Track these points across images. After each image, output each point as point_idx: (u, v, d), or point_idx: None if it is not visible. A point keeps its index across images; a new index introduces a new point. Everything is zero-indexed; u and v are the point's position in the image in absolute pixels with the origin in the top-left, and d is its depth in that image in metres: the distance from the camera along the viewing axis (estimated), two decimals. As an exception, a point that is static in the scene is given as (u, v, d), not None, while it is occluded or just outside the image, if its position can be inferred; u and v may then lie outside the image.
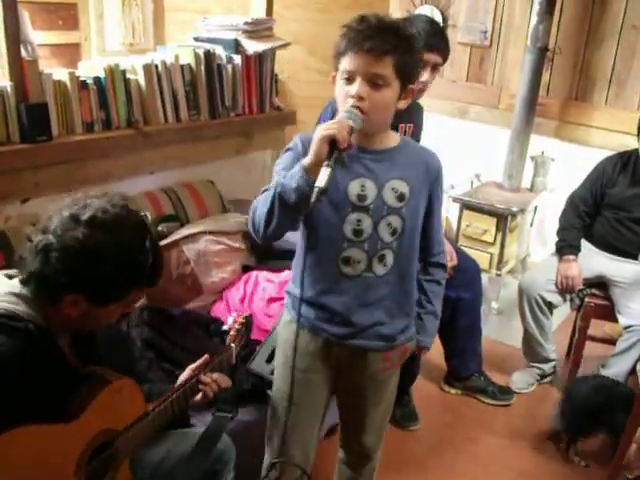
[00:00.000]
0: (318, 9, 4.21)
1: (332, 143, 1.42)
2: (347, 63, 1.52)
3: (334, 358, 1.74)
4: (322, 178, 1.39)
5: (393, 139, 1.67)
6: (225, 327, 1.84)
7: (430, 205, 1.71)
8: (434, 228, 1.77)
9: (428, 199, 1.70)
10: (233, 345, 1.77)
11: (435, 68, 2.46)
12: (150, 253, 1.42)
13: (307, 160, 1.44)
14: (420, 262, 1.79)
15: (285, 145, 1.69)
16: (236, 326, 1.81)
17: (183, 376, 1.71)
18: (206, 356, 1.73)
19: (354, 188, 1.57)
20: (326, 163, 1.41)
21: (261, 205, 1.51)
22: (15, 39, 2.21)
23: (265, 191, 1.53)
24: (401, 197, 1.62)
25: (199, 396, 1.68)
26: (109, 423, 1.41)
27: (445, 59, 2.50)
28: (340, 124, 1.44)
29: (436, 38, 2.44)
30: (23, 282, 1.38)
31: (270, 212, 1.48)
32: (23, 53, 2.29)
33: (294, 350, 1.70)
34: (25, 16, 2.42)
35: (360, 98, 1.50)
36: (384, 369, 1.77)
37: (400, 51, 1.53)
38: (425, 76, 2.43)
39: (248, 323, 1.86)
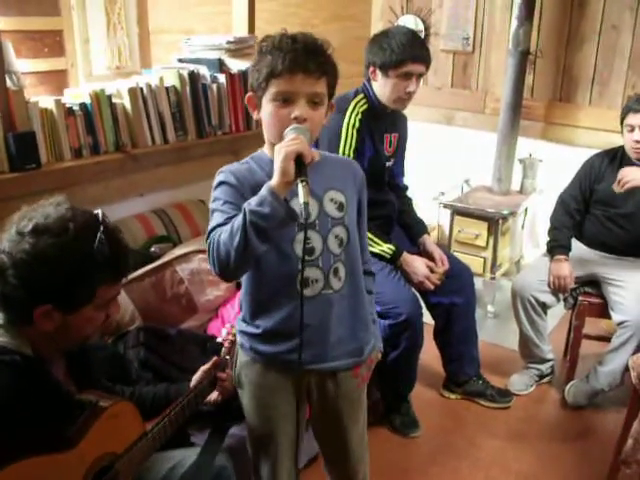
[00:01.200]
0: (300, 23, 4.24)
1: (297, 159, 1.39)
2: (285, 85, 1.47)
3: (304, 386, 1.72)
4: (302, 194, 1.37)
5: (316, 154, 1.63)
6: (219, 339, 1.84)
7: (359, 212, 1.70)
8: (362, 234, 1.75)
9: (357, 207, 1.69)
10: (227, 357, 1.78)
11: (419, 78, 2.51)
12: (105, 246, 1.39)
13: (274, 181, 1.40)
14: None
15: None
16: (230, 337, 1.82)
17: (197, 376, 1.76)
18: (215, 357, 1.77)
19: (295, 206, 1.44)
20: (300, 179, 1.38)
21: (227, 239, 1.42)
22: (0, 70, 2.24)
23: (215, 229, 1.47)
24: (340, 207, 1.61)
25: (214, 395, 1.74)
26: (108, 447, 1.42)
27: (428, 68, 2.55)
28: (299, 139, 1.42)
29: (420, 49, 2.50)
30: None
31: (243, 242, 1.39)
32: (8, 83, 2.32)
33: (263, 390, 1.70)
34: (9, 46, 2.46)
35: (304, 119, 1.48)
36: (357, 385, 1.76)
37: (331, 71, 1.54)
38: (412, 87, 2.49)
39: None
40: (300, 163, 1.39)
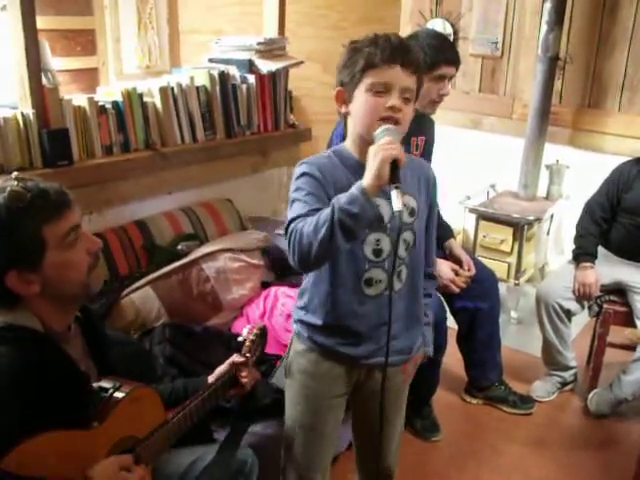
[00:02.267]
0: (330, 26, 4.28)
1: (392, 164, 1.41)
2: (382, 75, 1.52)
3: (354, 379, 1.76)
4: (397, 200, 1.40)
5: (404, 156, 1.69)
6: (240, 338, 1.85)
7: (429, 216, 1.74)
8: (431, 237, 1.79)
9: (428, 209, 1.73)
10: (249, 355, 1.80)
11: (450, 80, 2.52)
12: (20, 194, 1.34)
13: (367, 182, 1.41)
14: None
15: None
16: (250, 337, 1.83)
17: (216, 372, 1.77)
18: (234, 355, 1.79)
19: (382, 210, 1.53)
20: (395, 186, 1.41)
21: (311, 232, 1.44)
22: (36, 68, 2.29)
23: (296, 219, 1.50)
24: (412, 212, 1.65)
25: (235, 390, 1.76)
26: (130, 430, 1.43)
27: (458, 69, 2.56)
28: (396, 144, 1.44)
29: (452, 52, 2.51)
30: None
31: (328, 238, 1.42)
32: (44, 81, 2.36)
33: (315, 379, 1.73)
34: (46, 46, 2.50)
35: (398, 110, 1.52)
36: (403, 381, 1.81)
37: (420, 71, 1.58)
38: (445, 89, 2.49)
39: (263, 334, 1.89)
40: (395, 167, 1.42)
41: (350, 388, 1.78)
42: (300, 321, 1.75)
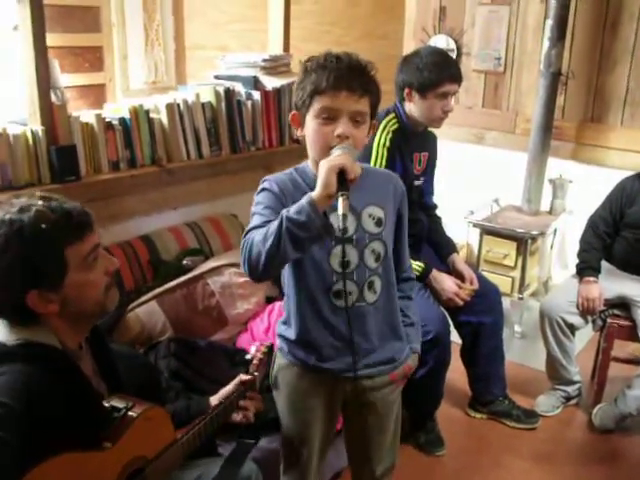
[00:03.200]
0: (333, 42, 4.31)
1: (340, 174, 1.43)
2: (328, 101, 1.52)
3: (340, 392, 1.76)
4: (341, 206, 1.41)
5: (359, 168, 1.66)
6: (248, 356, 1.87)
7: (398, 223, 1.74)
8: (403, 245, 1.80)
9: (397, 218, 1.74)
10: (256, 373, 1.82)
11: (453, 95, 2.55)
12: (46, 215, 1.36)
13: (316, 192, 1.43)
14: None
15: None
16: (259, 355, 1.85)
17: (229, 387, 1.78)
18: (239, 377, 1.78)
19: (334, 221, 1.48)
20: (341, 194, 1.41)
21: (260, 241, 1.46)
22: (46, 86, 2.33)
23: (251, 230, 1.52)
24: (379, 222, 1.66)
25: (239, 416, 1.74)
26: (141, 451, 1.45)
27: (460, 85, 2.59)
28: (344, 155, 1.45)
29: (454, 69, 2.55)
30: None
31: (276, 247, 1.44)
32: (53, 98, 2.40)
33: (298, 393, 1.76)
34: (55, 64, 2.54)
35: (346, 137, 1.51)
36: (392, 390, 1.80)
37: (374, 90, 1.58)
38: (449, 105, 2.53)
39: (270, 351, 1.90)
40: (343, 178, 1.43)
41: (339, 401, 1.79)
42: (280, 336, 1.78)
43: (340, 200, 1.41)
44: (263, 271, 1.49)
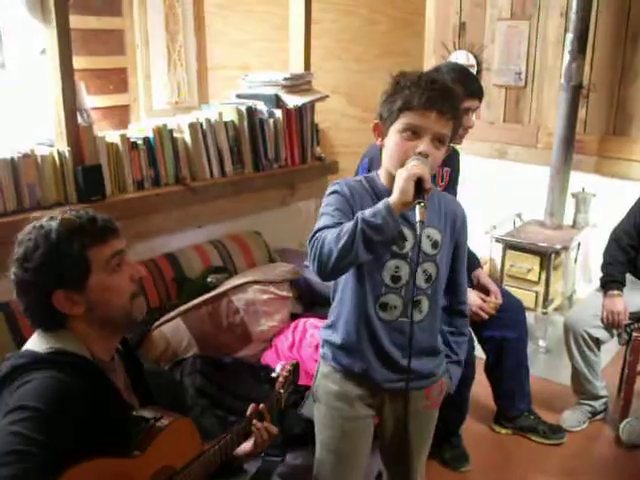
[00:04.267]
0: (353, 59, 4.33)
1: (417, 183, 1.47)
2: (416, 119, 1.56)
3: (378, 403, 1.79)
4: (418, 214, 1.47)
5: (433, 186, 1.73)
6: (274, 374, 1.89)
7: (456, 252, 1.78)
8: (460, 275, 1.83)
9: (454, 246, 1.77)
10: (282, 391, 1.83)
11: (474, 111, 2.55)
12: (69, 219, 1.44)
13: (393, 198, 1.48)
14: (444, 311, 1.84)
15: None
16: (284, 373, 1.87)
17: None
18: (253, 405, 1.75)
19: (406, 232, 1.61)
20: (418, 201, 1.47)
21: (333, 239, 1.51)
22: (72, 108, 2.39)
23: (321, 230, 1.57)
24: (435, 245, 1.69)
25: (250, 444, 1.71)
26: (169, 461, 1.46)
27: (481, 101, 2.59)
28: (422, 166, 1.50)
29: (475, 84, 2.55)
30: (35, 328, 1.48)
31: (349, 246, 1.48)
32: (79, 120, 2.46)
33: (340, 399, 1.76)
34: (82, 86, 2.60)
35: (427, 156, 1.55)
36: (427, 407, 1.82)
37: (458, 116, 1.63)
38: (470, 122, 2.52)
39: (295, 370, 1.92)
40: (420, 187, 1.47)
41: (376, 412, 1.81)
42: (326, 341, 1.80)
43: (417, 208, 1.47)
44: (332, 269, 1.54)
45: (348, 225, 1.51)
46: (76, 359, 1.42)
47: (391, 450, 1.91)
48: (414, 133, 1.57)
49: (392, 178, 1.58)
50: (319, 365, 1.85)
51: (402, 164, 1.55)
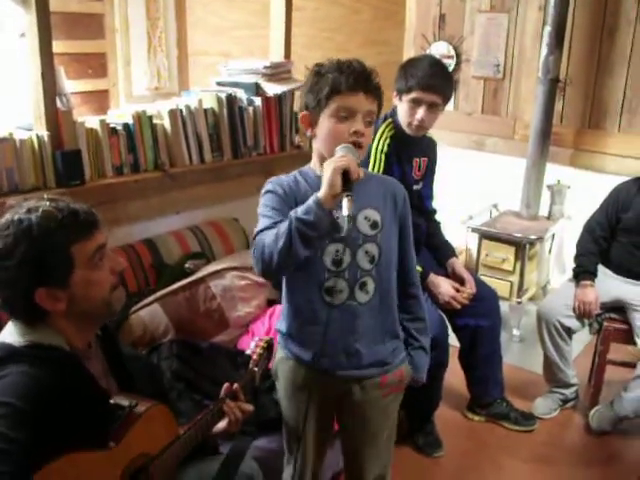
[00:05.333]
0: (335, 48, 4.36)
1: (344, 175, 1.51)
2: (346, 101, 1.61)
3: (333, 391, 1.80)
4: (345, 207, 1.50)
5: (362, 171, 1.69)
6: (248, 351, 1.89)
7: (401, 232, 1.80)
8: (408, 254, 1.84)
9: (399, 227, 1.79)
10: (256, 369, 1.84)
11: (432, 107, 2.51)
12: (52, 214, 1.40)
13: (321, 193, 1.51)
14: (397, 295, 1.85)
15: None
16: (258, 350, 1.87)
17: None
18: (226, 384, 1.76)
19: (339, 220, 1.61)
20: (346, 194, 1.50)
21: (271, 242, 1.55)
22: (52, 92, 2.38)
23: (260, 232, 1.60)
24: (374, 225, 1.71)
25: (224, 423, 1.72)
26: (144, 448, 1.47)
27: (444, 98, 2.55)
28: (347, 157, 1.54)
29: (433, 78, 2.48)
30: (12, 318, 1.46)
31: (287, 247, 1.52)
32: (59, 104, 2.45)
33: (295, 386, 1.81)
34: (61, 71, 2.59)
35: (362, 134, 1.62)
36: (385, 394, 1.83)
37: (381, 95, 1.68)
38: (420, 113, 2.50)
39: (270, 346, 1.92)
40: (347, 178, 1.51)
41: (332, 399, 1.82)
42: (278, 330, 1.85)
43: (345, 201, 1.50)
44: (277, 270, 1.59)
45: (284, 225, 1.54)
46: (53, 353, 1.41)
47: (349, 438, 1.92)
48: (346, 116, 1.62)
49: None
50: (277, 349, 1.89)
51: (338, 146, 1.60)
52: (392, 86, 2.67)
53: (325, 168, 1.53)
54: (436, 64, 2.59)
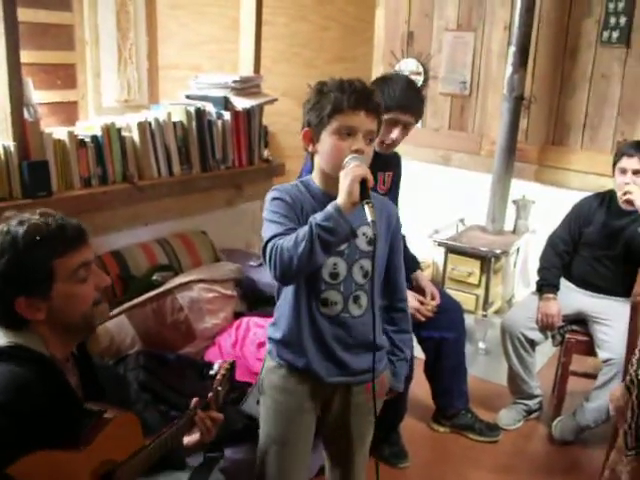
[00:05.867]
0: (304, 63, 4.39)
1: (361, 182, 1.56)
2: (348, 120, 1.65)
3: (320, 396, 1.85)
4: (369, 213, 1.55)
5: None
6: (212, 372, 1.93)
7: (392, 250, 1.86)
8: (399, 272, 1.91)
9: (390, 244, 1.85)
10: (220, 388, 1.86)
11: (406, 127, 2.55)
12: (36, 228, 1.44)
13: (341, 200, 1.56)
14: (385, 310, 1.93)
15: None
16: (222, 372, 1.91)
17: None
18: (196, 399, 1.78)
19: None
20: (366, 201, 1.56)
21: (291, 246, 1.58)
22: (19, 102, 2.37)
23: (274, 238, 1.63)
24: (370, 242, 1.75)
25: (197, 436, 1.74)
26: (111, 454, 1.49)
27: (418, 118, 2.59)
28: (363, 166, 1.60)
29: (410, 100, 2.52)
30: None
31: (308, 251, 1.56)
32: (26, 115, 2.44)
33: (285, 393, 1.83)
34: (29, 82, 2.58)
35: (362, 152, 1.65)
36: (368, 400, 1.85)
37: (381, 112, 1.73)
38: (395, 133, 2.52)
39: (232, 368, 1.96)
40: (364, 186, 1.56)
41: (319, 406, 1.87)
42: (270, 338, 1.87)
43: (367, 207, 1.56)
44: (295, 274, 1.63)
45: (303, 231, 1.58)
46: (34, 354, 1.45)
47: (334, 443, 1.98)
48: (348, 134, 1.66)
49: (329, 179, 1.69)
50: (265, 360, 1.91)
51: (339, 163, 1.63)
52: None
53: (341, 177, 1.58)
54: (412, 84, 2.62)
